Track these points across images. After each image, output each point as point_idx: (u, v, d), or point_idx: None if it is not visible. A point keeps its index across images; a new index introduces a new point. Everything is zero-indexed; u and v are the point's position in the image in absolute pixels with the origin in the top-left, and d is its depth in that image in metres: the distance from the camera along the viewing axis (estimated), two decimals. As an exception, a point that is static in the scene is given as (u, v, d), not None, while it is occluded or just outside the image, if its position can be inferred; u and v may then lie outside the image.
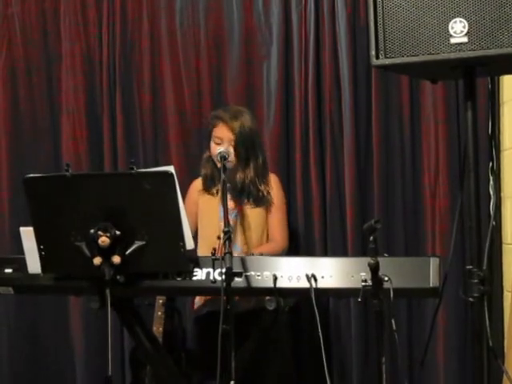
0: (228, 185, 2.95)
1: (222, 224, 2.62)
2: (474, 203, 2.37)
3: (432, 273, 2.55)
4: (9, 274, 2.85)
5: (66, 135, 4.08)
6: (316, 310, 2.53)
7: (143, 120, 4.05)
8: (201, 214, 3.37)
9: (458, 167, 3.58)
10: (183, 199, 2.79)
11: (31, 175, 2.65)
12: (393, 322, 2.36)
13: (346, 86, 3.77)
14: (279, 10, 3.88)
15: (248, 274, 2.63)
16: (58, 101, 4.12)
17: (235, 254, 2.61)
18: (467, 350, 3.61)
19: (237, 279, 2.57)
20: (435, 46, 2.27)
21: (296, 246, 3.65)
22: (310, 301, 2.55)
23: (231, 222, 2.84)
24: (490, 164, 3.54)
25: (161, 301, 3.40)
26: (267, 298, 2.64)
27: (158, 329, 3.37)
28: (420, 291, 2.62)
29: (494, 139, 3.57)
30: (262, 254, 2.86)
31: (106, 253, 2.55)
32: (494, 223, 3.05)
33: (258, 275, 2.64)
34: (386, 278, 2.36)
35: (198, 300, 3.33)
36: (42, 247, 2.66)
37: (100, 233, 2.54)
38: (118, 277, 2.57)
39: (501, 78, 3.54)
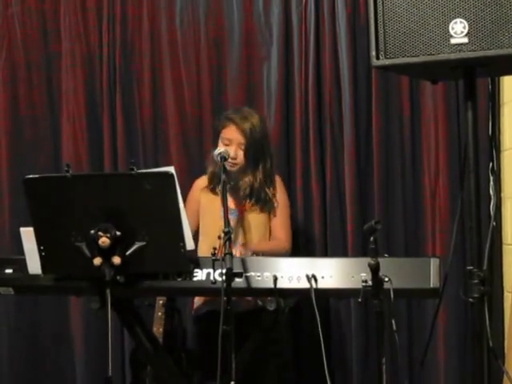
0: (229, 185, 2.94)
1: (222, 223, 2.62)
2: (474, 203, 2.37)
3: (432, 273, 2.55)
4: (9, 274, 2.84)
5: (66, 135, 4.08)
6: (316, 311, 2.53)
7: (143, 120, 4.05)
8: (203, 212, 3.37)
9: (459, 167, 3.59)
10: (183, 199, 2.79)
11: (31, 176, 2.65)
12: (393, 322, 2.36)
13: (346, 86, 3.77)
14: (279, 10, 3.88)
15: (248, 274, 2.63)
16: (58, 101, 4.12)
17: (236, 250, 2.61)
18: (467, 350, 3.61)
19: (237, 280, 2.56)
20: (435, 47, 2.27)
21: (296, 247, 3.65)
22: (311, 301, 2.56)
23: (231, 222, 2.83)
24: (491, 164, 3.55)
25: (161, 301, 3.40)
26: (267, 298, 2.64)
27: (158, 329, 3.37)
28: (420, 292, 2.62)
29: (495, 140, 3.57)
30: (262, 253, 2.86)
31: (107, 253, 2.55)
32: (494, 224, 3.05)
33: (259, 276, 2.64)
34: (387, 279, 2.36)
35: (198, 300, 3.33)
36: (42, 248, 2.66)
37: (100, 233, 2.54)
38: (119, 277, 2.57)
39: (501, 78, 3.54)
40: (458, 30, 2.24)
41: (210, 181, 3.33)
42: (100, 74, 4.07)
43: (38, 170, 3.92)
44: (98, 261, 2.55)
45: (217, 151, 3.05)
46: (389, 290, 2.38)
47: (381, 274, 2.32)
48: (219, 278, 2.52)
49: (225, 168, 2.94)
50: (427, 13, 2.27)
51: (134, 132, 4.06)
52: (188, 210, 3.28)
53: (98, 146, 4.07)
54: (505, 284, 3.56)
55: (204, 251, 3.16)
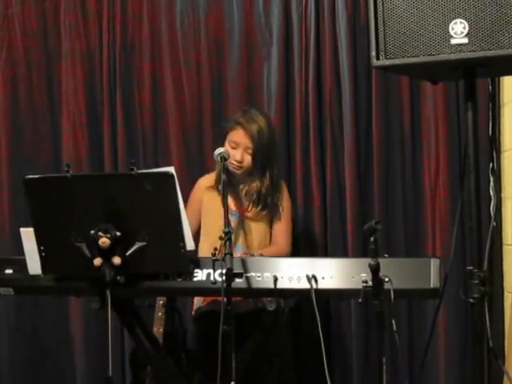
0: (230, 186, 2.94)
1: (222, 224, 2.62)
2: (474, 204, 2.37)
3: (432, 274, 2.55)
4: (9, 274, 2.84)
5: (66, 135, 4.08)
6: (316, 311, 2.53)
7: (143, 120, 4.04)
8: (205, 211, 3.37)
9: (459, 168, 3.59)
10: (184, 199, 2.79)
11: (31, 176, 2.65)
12: (393, 322, 2.36)
13: (347, 86, 3.77)
14: (279, 10, 3.87)
15: (248, 274, 2.63)
16: (58, 101, 4.12)
17: (236, 254, 2.61)
18: (468, 350, 3.61)
19: (237, 280, 2.56)
20: (435, 47, 2.27)
21: (296, 247, 3.65)
22: (311, 302, 2.55)
23: (232, 224, 2.83)
24: (491, 165, 3.55)
25: (161, 301, 3.40)
26: (268, 298, 2.64)
27: (158, 329, 3.37)
28: (420, 292, 2.62)
29: (495, 140, 3.57)
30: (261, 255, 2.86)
31: (107, 254, 2.55)
32: (494, 224, 3.05)
33: (259, 276, 2.64)
34: (387, 279, 2.36)
35: (198, 300, 3.33)
36: (42, 248, 2.66)
37: (100, 234, 2.54)
38: (119, 277, 2.57)
39: (501, 79, 3.54)
40: (458, 30, 2.24)
41: (217, 180, 3.33)
42: (100, 74, 4.07)
43: (38, 170, 3.92)
44: (98, 261, 2.55)
45: (217, 151, 3.05)
46: (389, 290, 2.38)
47: (381, 274, 2.32)
48: (219, 279, 2.52)
49: (225, 168, 2.93)
50: (427, 13, 2.27)
51: (134, 132, 4.06)
52: (190, 209, 3.29)
53: (98, 145, 4.07)
54: (505, 284, 3.56)
55: (205, 251, 3.16)
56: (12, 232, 3.97)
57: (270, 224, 3.34)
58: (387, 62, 2.33)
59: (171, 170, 2.59)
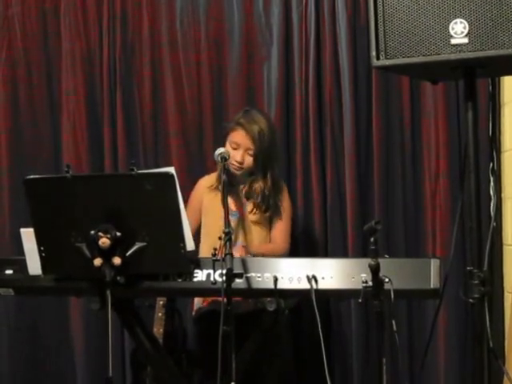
0: (230, 186, 2.94)
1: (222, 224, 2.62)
2: (474, 204, 2.36)
3: (432, 274, 2.55)
4: (9, 275, 2.84)
5: (66, 135, 4.08)
6: (316, 311, 2.53)
7: (143, 120, 4.04)
8: (205, 212, 3.37)
9: (459, 168, 3.58)
10: (184, 200, 2.79)
11: (31, 176, 2.65)
12: (393, 322, 2.36)
13: (347, 86, 3.77)
14: (279, 10, 3.87)
15: (248, 275, 2.63)
16: (58, 101, 4.12)
17: (235, 250, 2.61)
18: (468, 350, 3.61)
19: (237, 280, 2.56)
20: (435, 47, 2.27)
21: (296, 247, 3.65)
22: (311, 302, 2.55)
23: (232, 223, 2.83)
24: (491, 165, 3.55)
25: (161, 302, 3.40)
26: (268, 299, 2.64)
27: (158, 330, 3.36)
28: (421, 292, 2.62)
29: (495, 140, 3.57)
30: (262, 255, 2.86)
31: (107, 254, 2.55)
32: (494, 224, 3.05)
33: (259, 276, 2.64)
34: (387, 279, 2.36)
35: (198, 301, 3.33)
36: (42, 248, 2.66)
37: (100, 234, 2.54)
38: (119, 278, 2.57)
39: (501, 79, 3.54)
40: (458, 30, 2.24)
41: (218, 180, 3.33)
42: (100, 74, 4.06)
43: (38, 170, 3.91)
44: (98, 261, 2.55)
45: (217, 151, 3.05)
46: (389, 290, 2.38)
47: (381, 274, 2.32)
48: (219, 279, 2.52)
49: (225, 168, 2.93)
50: (427, 13, 2.27)
51: (134, 132, 4.06)
52: (190, 208, 3.29)
53: (98, 146, 4.07)
54: (505, 284, 3.56)
55: (205, 251, 3.16)
56: (12, 232, 3.97)
57: (270, 224, 3.35)
58: (387, 62, 2.33)
59: (171, 170, 2.59)
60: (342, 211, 3.79)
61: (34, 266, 2.73)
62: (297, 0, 3.86)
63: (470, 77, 2.36)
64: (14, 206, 4.04)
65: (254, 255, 2.98)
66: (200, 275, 2.67)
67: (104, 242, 2.54)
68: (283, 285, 2.62)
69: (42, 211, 2.65)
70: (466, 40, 2.23)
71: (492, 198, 3.50)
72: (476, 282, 2.32)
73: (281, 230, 3.34)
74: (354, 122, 3.77)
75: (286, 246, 3.35)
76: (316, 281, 2.60)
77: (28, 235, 2.70)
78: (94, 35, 4.07)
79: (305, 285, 2.60)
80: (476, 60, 2.25)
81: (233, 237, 2.60)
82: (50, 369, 4.13)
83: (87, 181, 2.71)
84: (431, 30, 2.27)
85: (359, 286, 2.48)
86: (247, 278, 2.63)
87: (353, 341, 3.75)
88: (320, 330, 2.52)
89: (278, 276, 2.62)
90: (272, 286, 2.61)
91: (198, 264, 2.68)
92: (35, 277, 2.76)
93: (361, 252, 3.66)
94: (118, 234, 2.55)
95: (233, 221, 3.14)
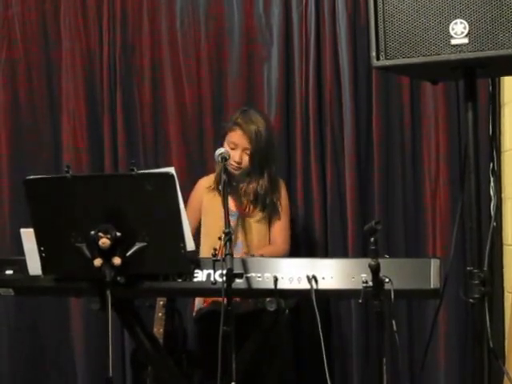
0: (230, 187, 2.94)
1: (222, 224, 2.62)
2: (474, 204, 2.36)
3: (433, 274, 2.55)
4: (9, 275, 2.84)
5: (66, 135, 4.08)
6: (317, 311, 2.53)
7: (143, 120, 4.05)
8: (205, 212, 3.37)
9: (459, 168, 3.58)
10: (184, 199, 2.79)
11: (31, 176, 2.65)
12: (393, 323, 2.36)
13: (347, 86, 3.77)
14: (280, 10, 3.87)
15: (249, 275, 2.63)
16: (58, 101, 4.12)
17: (236, 252, 2.61)
18: (468, 350, 3.61)
19: (237, 280, 2.56)
20: (436, 47, 2.26)
21: (296, 247, 3.65)
22: (311, 302, 2.55)
23: (232, 224, 2.83)
24: (491, 165, 3.55)
25: (161, 302, 3.40)
26: (268, 299, 2.64)
27: (158, 330, 3.36)
28: (421, 292, 2.62)
29: (495, 140, 3.57)
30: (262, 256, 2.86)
31: (107, 254, 2.55)
32: (494, 224, 3.05)
33: (259, 276, 2.64)
34: (387, 280, 2.36)
35: (198, 302, 3.33)
36: (42, 248, 2.66)
37: (100, 234, 2.54)
38: (119, 278, 2.57)
39: (502, 79, 3.54)
40: (459, 30, 2.24)
41: (217, 181, 3.33)
42: (100, 74, 4.07)
43: (38, 170, 3.91)
44: (98, 262, 2.55)
45: (218, 152, 3.05)
46: (389, 290, 2.38)
47: (381, 274, 2.32)
48: (219, 279, 2.52)
49: (226, 168, 2.94)
50: (427, 13, 2.27)
51: (134, 132, 4.06)
52: (190, 208, 3.29)
53: (98, 146, 4.07)
54: (505, 284, 3.56)
55: (205, 252, 3.16)
56: (12, 232, 3.97)
57: (269, 223, 3.35)
58: (387, 63, 2.33)
59: (171, 170, 2.59)
60: (342, 211, 3.79)
61: (34, 266, 2.73)
62: (297, 0, 3.86)
63: (470, 77, 2.36)
64: (14, 207, 4.04)
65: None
66: (200, 275, 2.67)
67: (104, 242, 2.54)
68: (283, 285, 2.62)
69: (42, 211, 2.65)
70: (466, 40, 2.23)
71: (492, 198, 3.50)
72: (476, 282, 2.32)
73: (280, 230, 3.34)
74: (354, 121, 3.77)
75: (287, 247, 3.34)
76: (316, 281, 2.60)
77: (28, 235, 2.70)
78: (94, 35, 4.07)
79: (305, 285, 2.60)
80: (476, 60, 2.25)
81: (233, 237, 2.60)
82: (50, 369, 4.14)
83: (87, 181, 2.71)
84: (431, 30, 2.26)
85: (359, 286, 2.48)
86: (247, 278, 2.63)
87: (353, 341, 3.75)
88: (320, 329, 2.52)
89: (278, 276, 2.62)
90: (272, 286, 2.61)
91: (198, 264, 2.68)
92: (35, 277, 2.77)
93: (361, 252, 3.66)
94: (118, 234, 2.55)
95: (232, 221, 3.14)
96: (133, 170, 2.54)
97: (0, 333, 4.14)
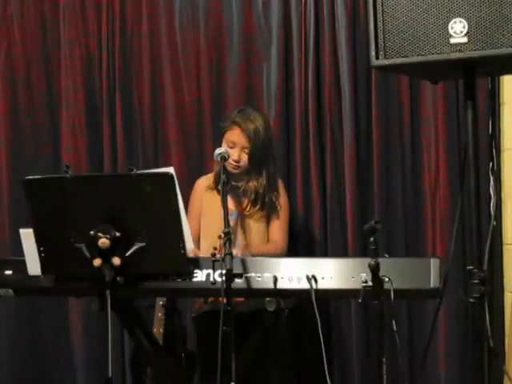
0: (229, 186, 2.94)
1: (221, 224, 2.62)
2: (474, 203, 2.37)
3: (433, 273, 2.54)
4: (9, 275, 2.84)
5: (65, 135, 4.08)
6: (316, 311, 2.53)
7: (143, 120, 4.04)
8: (204, 212, 3.37)
9: (459, 167, 3.58)
10: (183, 200, 2.79)
11: (31, 176, 2.65)
12: (393, 322, 2.36)
13: (346, 86, 3.76)
14: (279, 10, 3.87)
15: (248, 275, 2.63)
16: (58, 101, 4.12)
17: (235, 250, 2.61)
18: (468, 350, 3.60)
19: (237, 280, 2.56)
20: (435, 47, 2.27)
21: (296, 247, 3.65)
22: (311, 302, 2.55)
23: (231, 223, 2.83)
24: (491, 164, 3.54)
25: (161, 302, 3.39)
26: (267, 299, 2.64)
27: (158, 330, 3.36)
28: (421, 292, 2.61)
29: (495, 139, 3.56)
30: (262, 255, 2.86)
31: (106, 254, 2.55)
32: (494, 223, 3.04)
33: (259, 276, 2.63)
34: (387, 279, 2.36)
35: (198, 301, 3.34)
36: (41, 249, 2.66)
37: (100, 234, 2.54)
38: (118, 278, 2.57)
39: (501, 78, 3.53)
40: (458, 29, 2.24)
41: (215, 180, 3.33)
42: (100, 74, 4.06)
43: (38, 170, 3.91)
44: (97, 262, 2.55)
45: (217, 151, 3.05)
46: (389, 290, 2.37)
47: (381, 274, 2.32)
48: (219, 279, 2.52)
49: (225, 168, 2.94)
50: (427, 12, 2.27)
51: (134, 132, 4.05)
52: (191, 214, 3.30)
53: (97, 145, 4.07)
54: (505, 284, 3.56)
55: (205, 251, 3.16)
56: (12, 233, 3.97)
57: (268, 223, 3.34)
58: (386, 62, 2.33)
59: (171, 170, 2.59)
60: (342, 211, 3.78)
61: (34, 267, 2.73)
62: (296, 0, 3.86)
63: (470, 76, 2.36)
64: (14, 207, 4.04)
65: (254, 256, 2.97)
66: (200, 275, 2.67)
67: (103, 242, 2.53)
68: (283, 285, 2.62)
69: (42, 211, 2.65)
70: (465, 39, 2.23)
71: (492, 197, 3.50)
72: (476, 281, 2.32)
73: (278, 228, 3.34)
74: (354, 121, 3.76)
75: (285, 246, 3.34)
76: (316, 281, 2.59)
77: (28, 235, 2.70)
78: (94, 35, 4.07)
79: (305, 285, 2.60)
80: (475, 59, 2.25)
81: (232, 236, 2.60)
82: (50, 369, 4.13)
83: (87, 181, 2.72)
84: (430, 29, 2.27)
85: (359, 285, 2.47)
86: (247, 278, 2.63)
87: (353, 341, 3.74)
88: (320, 329, 2.51)
89: (278, 276, 2.61)
90: (272, 286, 2.61)
91: (198, 264, 2.68)
92: (35, 277, 2.76)
93: (361, 252, 3.66)
94: (118, 234, 2.55)
95: (232, 220, 3.14)
96: (132, 170, 2.54)
97: (0, 333, 4.13)
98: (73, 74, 4.07)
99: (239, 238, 3.26)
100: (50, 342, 4.12)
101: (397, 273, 2.48)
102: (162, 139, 4.03)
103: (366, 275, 2.46)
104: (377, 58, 2.33)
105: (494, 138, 3.58)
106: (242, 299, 2.85)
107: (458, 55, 2.24)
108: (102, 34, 4.05)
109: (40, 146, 4.13)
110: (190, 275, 2.67)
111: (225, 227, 2.55)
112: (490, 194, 3.54)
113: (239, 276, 2.60)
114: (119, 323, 3.00)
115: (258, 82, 3.93)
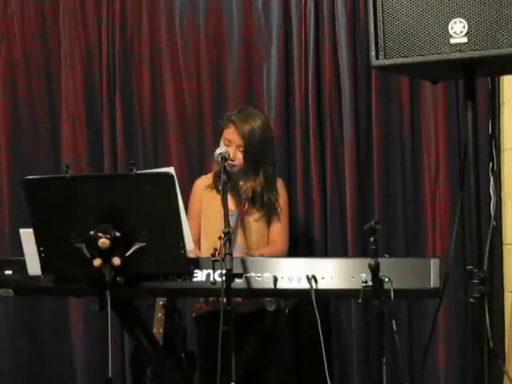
0: (229, 185, 2.94)
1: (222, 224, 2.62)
2: (474, 203, 2.37)
3: (433, 273, 2.55)
4: (9, 275, 2.85)
5: (65, 136, 4.08)
6: (316, 311, 2.53)
7: (143, 120, 4.04)
8: (204, 211, 3.37)
9: (459, 167, 3.58)
10: (183, 200, 2.79)
11: (31, 176, 2.66)
12: (393, 322, 2.36)
13: (346, 86, 3.76)
14: (279, 10, 3.87)
15: (248, 275, 2.63)
16: (58, 101, 4.12)
17: (236, 253, 2.61)
18: (468, 350, 3.61)
19: (237, 280, 2.56)
20: (435, 47, 2.27)
21: (296, 247, 3.65)
22: (311, 302, 2.55)
23: (231, 223, 2.83)
24: (491, 164, 3.54)
25: (161, 302, 3.40)
26: (268, 299, 2.64)
27: (158, 330, 3.36)
28: (421, 292, 2.61)
29: (495, 139, 3.56)
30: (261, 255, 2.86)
31: (106, 254, 2.55)
32: (494, 223, 3.04)
33: (259, 276, 2.64)
34: (387, 279, 2.36)
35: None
36: (41, 249, 2.66)
37: (100, 234, 2.54)
38: (118, 278, 2.57)
39: (501, 78, 3.53)
40: (458, 29, 2.24)
41: (215, 180, 3.33)
42: (100, 74, 4.07)
43: (38, 170, 3.92)
44: (97, 262, 2.55)
45: (218, 151, 3.05)
46: (389, 290, 2.38)
47: (381, 274, 2.32)
48: (219, 279, 2.52)
49: (225, 168, 2.93)
50: (427, 12, 2.27)
51: (134, 132, 4.06)
52: (191, 215, 3.29)
53: (97, 145, 4.07)
54: (505, 284, 3.56)
55: (205, 251, 3.16)
56: (12, 233, 3.97)
57: (268, 223, 3.34)
58: (386, 62, 2.33)
59: (171, 170, 2.59)
60: (342, 211, 3.78)
61: (34, 267, 2.73)
62: (296, 0, 3.86)
63: (470, 76, 2.36)
64: (14, 207, 4.04)
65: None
66: (200, 275, 2.67)
67: (103, 242, 2.54)
68: (283, 285, 2.62)
69: (42, 211, 2.65)
70: (465, 39, 2.23)
71: (492, 197, 3.50)
72: (476, 281, 2.32)
73: (279, 230, 3.33)
74: (354, 121, 3.76)
75: (286, 247, 3.34)
76: (316, 281, 2.59)
77: (28, 235, 2.70)
78: (94, 35, 4.08)
79: (305, 285, 2.60)
80: (475, 59, 2.25)
81: (232, 237, 2.60)
82: (50, 369, 4.13)
83: (87, 181, 2.72)
84: (430, 29, 2.27)
85: (359, 285, 2.47)
86: (247, 278, 2.63)
87: (353, 341, 3.74)
88: (320, 329, 2.51)
89: (278, 276, 2.62)
90: (272, 286, 2.61)
91: (198, 264, 2.68)
92: (35, 277, 2.77)
93: (361, 252, 3.66)
94: (118, 234, 2.55)
95: (232, 220, 3.14)
96: (132, 170, 2.54)
97: (0, 333, 4.13)
98: (73, 74, 4.07)
99: (239, 239, 3.26)
100: (50, 342, 4.12)
101: (397, 273, 2.48)
102: (161, 139, 4.03)
103: (366, 275, 2.46)
104: (377, 57, 2.33)
105: (494, 137, 3.58)
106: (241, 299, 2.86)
107: (458, 55, 2.25)
108: (102, 33, 4.05)
109: (40, 145, 4.13)
110: (190, 275, 2.67)
111: (225, 227, 2.55)
112: (490, 194, 3.54)
113: (239, 276, 2.60)
114: (119, 323, 3.00)
115: (258, 82, 3.93)
